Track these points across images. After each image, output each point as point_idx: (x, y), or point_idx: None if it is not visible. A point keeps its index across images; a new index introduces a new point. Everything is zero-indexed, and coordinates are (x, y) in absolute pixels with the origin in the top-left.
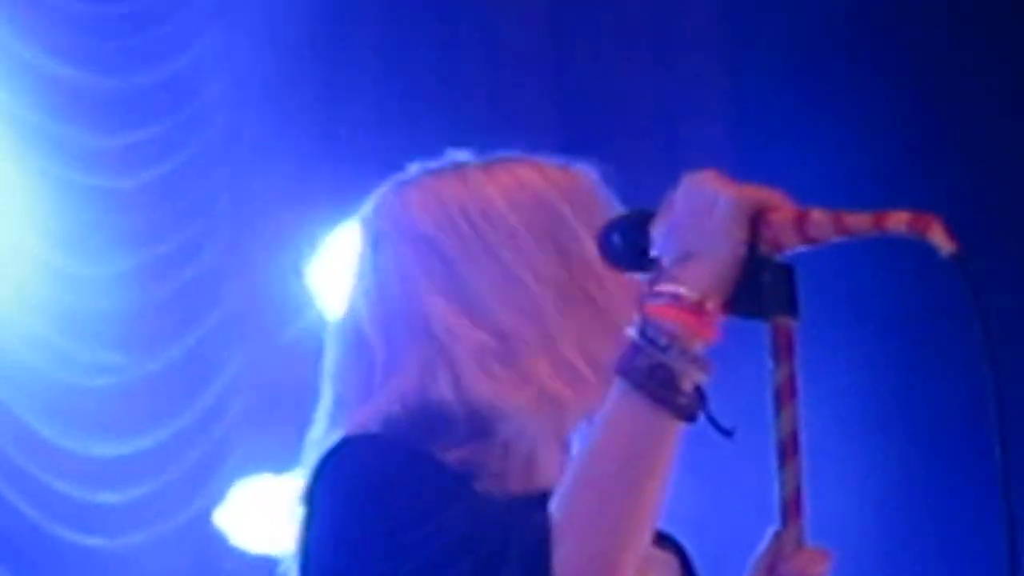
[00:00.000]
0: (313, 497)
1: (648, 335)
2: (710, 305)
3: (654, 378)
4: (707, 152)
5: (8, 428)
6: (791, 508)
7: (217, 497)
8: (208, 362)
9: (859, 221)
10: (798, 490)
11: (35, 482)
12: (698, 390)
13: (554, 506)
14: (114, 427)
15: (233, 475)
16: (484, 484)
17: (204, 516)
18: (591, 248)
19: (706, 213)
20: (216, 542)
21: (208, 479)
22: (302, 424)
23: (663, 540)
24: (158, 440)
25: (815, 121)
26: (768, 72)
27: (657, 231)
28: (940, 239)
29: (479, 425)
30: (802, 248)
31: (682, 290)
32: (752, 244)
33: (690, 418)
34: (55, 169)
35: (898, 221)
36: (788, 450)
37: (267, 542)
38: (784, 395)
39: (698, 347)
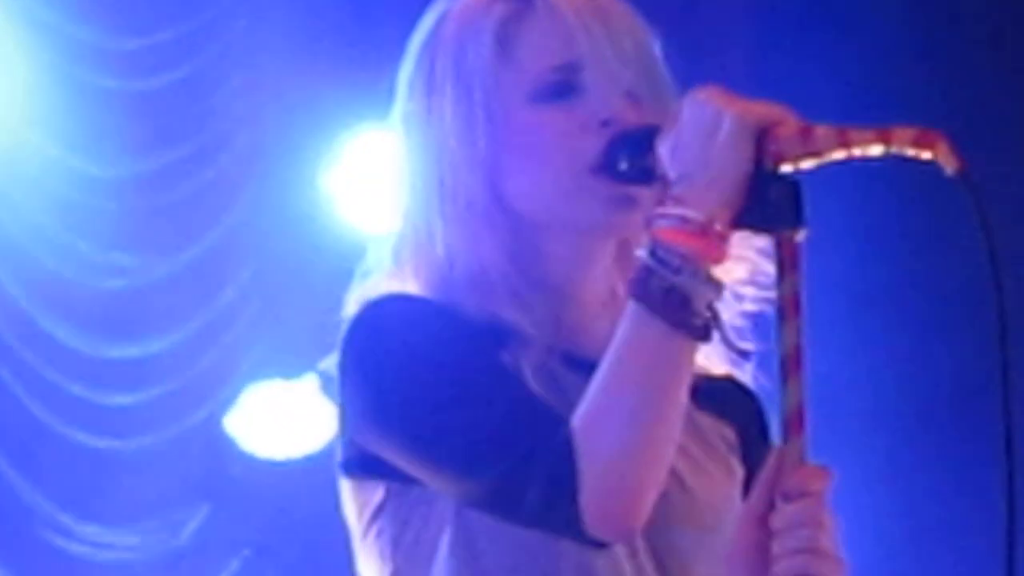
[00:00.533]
0: (345, 366)
1: (659, 257)
2: (718, 226)
3: (669, 301)
4: (722, 68)
5: (20, 328)
6: (793, 423)
7: (228, 401)
8: (220, 267)
9: (864, 136)
10: (800, 405)
11: (46, 382)
12: (711, 309)
13: (578, 427)
14: (125, 329)
15: (244, 380)
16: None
17: (214, 420)
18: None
19: (711, 132)
20: (226, 446)
21: (219, 383)
22: (313, 330)
23: (723, 396)
24: (169, 343)
25: (830, 42)
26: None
27: (663, 149)
28: (945, 156)
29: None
30: (807, 163)
31: (689, 212)
32: (758, 159)
33: (706, 338)
34: (71, 69)
35: (903, 137)
36: (791, 365)
37: (276, 447)
38: (789, 309)
39: (709, 267)
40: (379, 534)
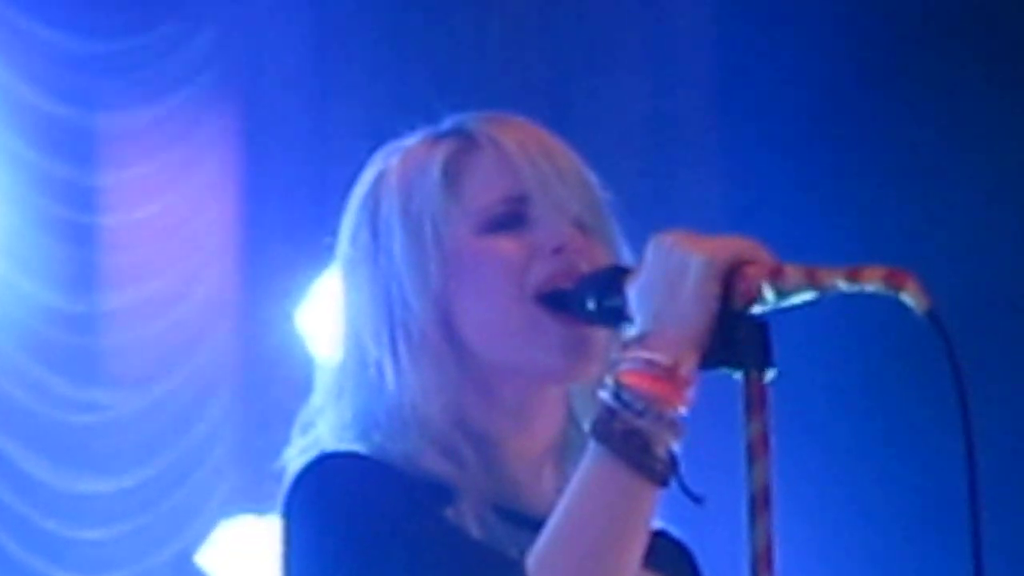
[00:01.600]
0: (289, 524)
1: (623, 400)
2: (683, 371)
3: (631, 444)
4: (698, 209)
5: None
6: (761, 563)
7: (200, 537)
8: (193, 401)
9: (833, 275)
10: (769, 545)
11: (16, 516)
12: (671, 454)
13: (531, 565)
14: (97, 464)
15: (216, 515)
16: (462, 499)
17: (187, 555)
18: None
19: (677, 277)
20: None
21: (191, 518)
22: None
23: (660, 556)
24: (142, 478)
25: (807, 188)
26: (761, 138)
27: (630, 292)
28: (915, 295)
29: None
30: (776, 304)
31: (655, 356)
32: (726, 297)
33: (664, 483)
34: (44, 204)
35: (873, 276)
36: (760, 504)
37: None
38: (757, 449)
39: (671, 412)
40: None
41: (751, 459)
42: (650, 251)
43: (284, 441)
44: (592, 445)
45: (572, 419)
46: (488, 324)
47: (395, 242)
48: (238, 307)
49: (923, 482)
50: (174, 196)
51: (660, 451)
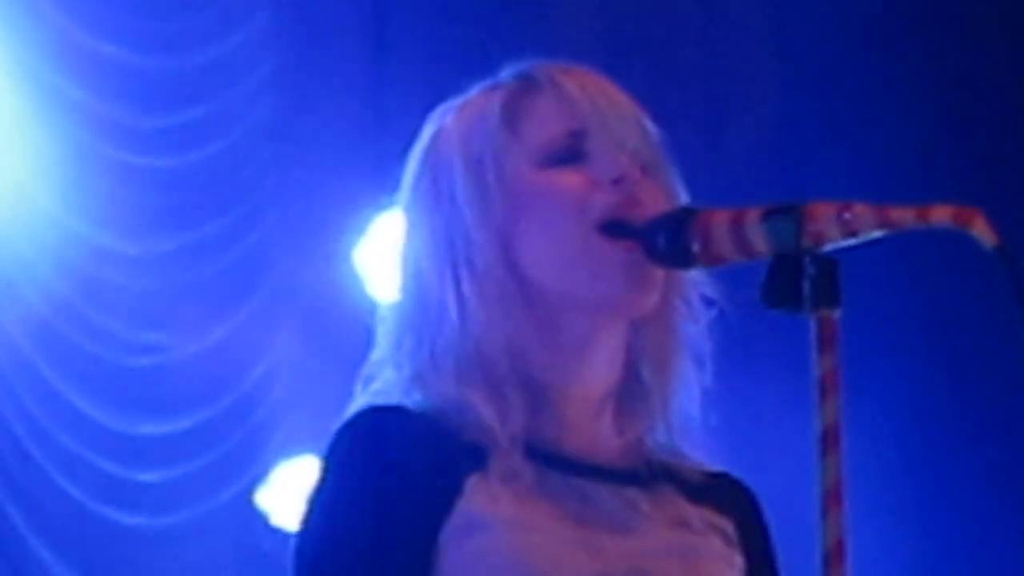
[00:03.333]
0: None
1: None
2: None
3: None
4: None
5: (51, 406)
6: (831, 500)
7: (259, 478)
8: (251, 343)
9: (903, 214)
10: (839, 481)
11: (78, 460)
12: None
13: None
14: (156, 406)
15: (275, 456)
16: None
17: (246, 496)
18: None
19: None
20: (257, 522)
21: (250, 460)
22: (344, 406)
23: (719, 492)
24: (200, 420)
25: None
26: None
27: None
28: (983, 232)
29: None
30: (845, 242)
31: None
32: (796, 238)
33: None
34: (102, 148)
35: (942, 215)
36: (830, 441)
37: None
38: (827, 386)
39: None
40: None
41: (822, 396)
42: None
43: (342, 381)
44: None
45: (633, 365)
46: (550, 255)
47: (456, 182)
48: (295, 248)
49: (989, 419)
50: (230, 137)
51: None
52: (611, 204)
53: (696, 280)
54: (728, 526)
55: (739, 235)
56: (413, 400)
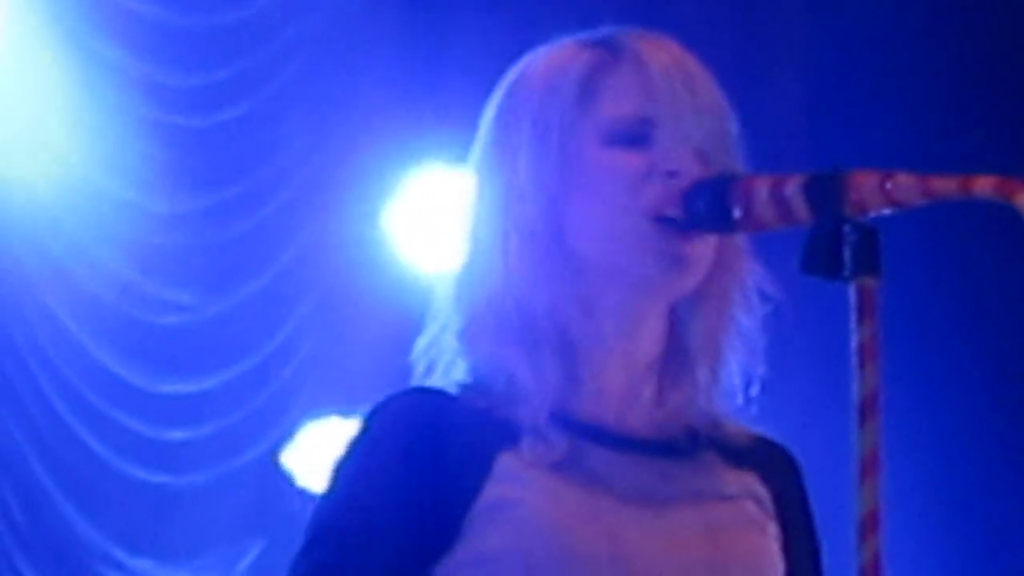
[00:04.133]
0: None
1: None
2: None
3: None
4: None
5: (78, 364)
6: (868, 467)
7: (284, 438)
8: (278, 303)
9: (945, 184)
10: (876, 449)
11: (104, 418)
12: None
13: None
14: (183, 365)
15: (300, 416)
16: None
17: (270, 456)
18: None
19: None
20: (282, 482)
21: (275, 420)
22: (370, 367)
23: (756, 455)
24: (226, 379)
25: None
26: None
27: None
28: None
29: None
30: (886, 211)
31: None
32: (837, 206)
33: None
34: (133, 106)
35: (985, 185)
36: (869, 408)
37: None
38: (866, 354)
39: None
40: None
41: (861, 363)
42: None
43: (369, 342)
44: None
45: (680, 339)
46: (597, 232)
47: (521, 147)
48: (325, 208)
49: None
50: (261, 97)
51: None
52: (662, 196)
53: (754, 271)
54: (766, 495)
55: (780, 201)
56: (457, 371)
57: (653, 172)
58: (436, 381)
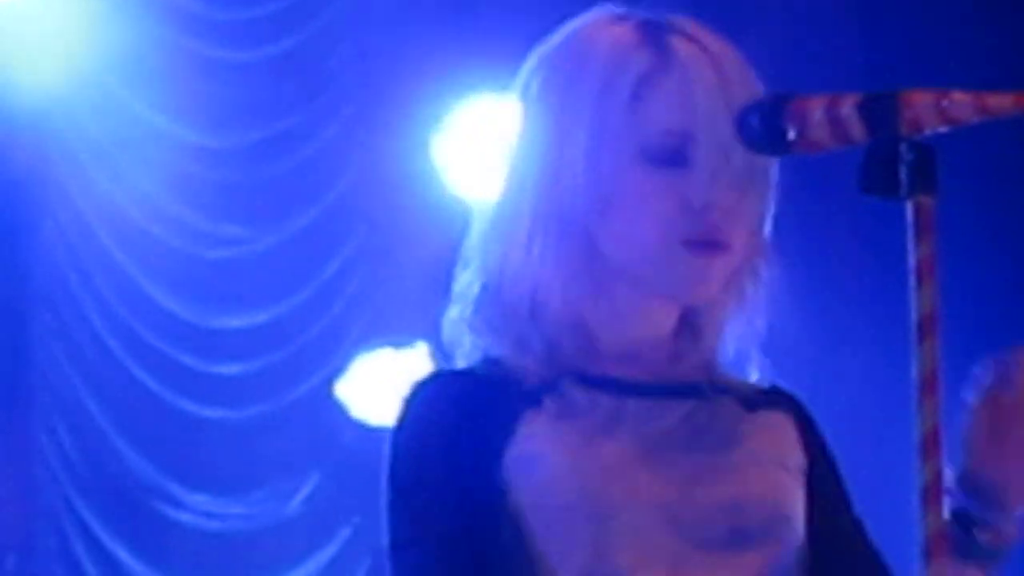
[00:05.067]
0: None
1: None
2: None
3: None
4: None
5: (129, 298)
6: (927, 386)
7: (337, 371)
8: (329, 237)
9: (1001, 101)
10: (935, 368)
11: (155, 353)
12: None
13: None
14: (234, 300)
15: (353, 349)
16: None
17: (324, 389)
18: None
19: None
20: (336, 414)
21: (328, 353)
22: (422, 300)
23: (773, 398)
24: (278, 313)
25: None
26: None
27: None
28: None
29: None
30: (943, 129)
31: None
32: (894, 125)
33: None
34: (181, 41)
35: None
36: (927, 327)
37: (387, 415)
38: (924, 273)
39: None
40: None
41: (919, 282)
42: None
43: (419, 274)
44: None
45: (692, 314)
46: (628, 242)
47: (579, 137)
48: (374, 141)
49: None
50: (308, 30)
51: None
52: (693, 229)
53: (767, 269)
54: (790, 426)
55: (835, 121)
56: (479, 341)
57: (687, 204)
58: (461, 356)
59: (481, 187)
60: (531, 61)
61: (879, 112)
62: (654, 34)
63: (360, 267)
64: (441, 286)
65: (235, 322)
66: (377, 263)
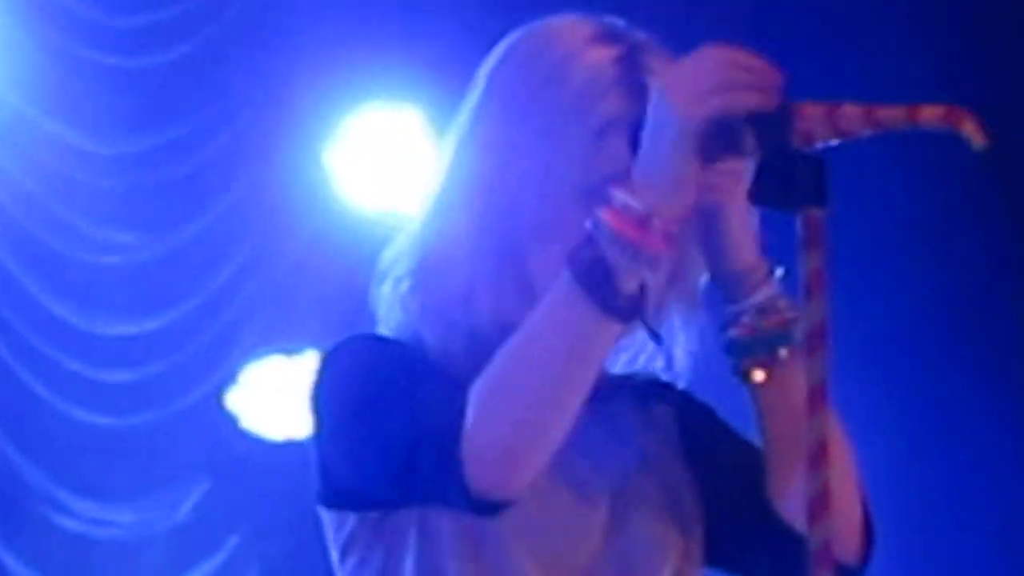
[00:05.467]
0: (314, 391)
1: (598, 232)
2: (657, 221)
3: (594, 273)
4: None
5: (18, 305)
6: (816, 398)
7: (227, 378)
8: (220, 244)
9: (891, 114)
10: (824, 381)
11: (45, 359)
12: (637, 292)
13: (473, 391)
14: (124, 306)
15: (243, 357)
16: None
17: (214, 397)
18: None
19: (660, 128)
20: (226, 423)
21: (219, 360)
22: (313, 306)
23: (657, 392)
24: (169, 320)
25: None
26: None
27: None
28: (972, 132)
29: None
30: (833, 141)
31: (632, 201)
32: (783, 137)
33: (624, 319)
34: (73, 47)
35: (931, 114)
36: (816, 339)
37: (277, 424)
38: (814, 285)
39: (644, 251)
40: (352, 562)
41: (808, 294)
42: (653, 95)
43: (311, 281)
44: (563, 273)
45: None
46: (552, 267)
47: (539, 149)
48: (266, 149)
49: (980, 322)
50: (202, 37)
51: (624, 286)
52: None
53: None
54: (668, 413)
55: (726, 134)
56: (410, 321)
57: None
58: (388, 332)
59: (373, 196)
60: (508, 46)
61: (770, 124)
62: (631, 74)
63: (251, 275)
64: (332, 293)
65: (124, 329)
66: (268, 271)
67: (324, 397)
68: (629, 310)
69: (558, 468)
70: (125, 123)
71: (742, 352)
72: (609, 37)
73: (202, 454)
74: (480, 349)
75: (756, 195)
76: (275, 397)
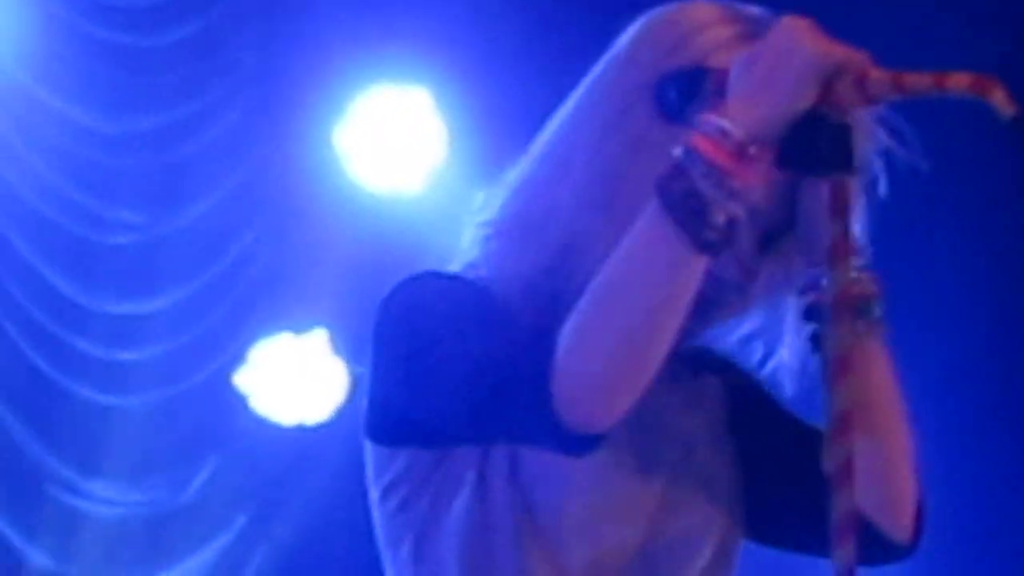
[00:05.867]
0: (373, 331)
1: (690, 160)
2: (753, 149)
3: (687, 205)
4: None
5: (27, 284)
6: (842, 367)
7: (236, 357)
8: (229, 223)
9: (919, 80)
10: (849, 351)
11: (53, 338)
12: (728, 226)
13: (568, 320)
14: (133, 285)
15: (252, 336)
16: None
17: (222, 376)
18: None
19: (784, 61)
20: (233, 402)
21: (227, 339)
22: (322, 285)
23: (708, 364)
24: (178, 299)
25: None
26: None
27: (736, 60)
28: (1001, 101)
29: None
30: (862, 106)
31: (730, 127)
32: (814, 103)
33: (711, 250)
34: (82, 25)
35: (959, 82)
36: (840, 308)
37: (285, 403)
38: (838, 251)
39: (737, 183)
40: (392, 504)
41: (833, 262)
42: (775, 28)
43: (319, 261)
44: (653, 200)
45: None
46: None
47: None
48: (275, 128)
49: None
50: (211, 15)
51: (716, 219)
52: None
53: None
54: (717, 385)
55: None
56: (502, 262)
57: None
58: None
59: (382, 176)
60: (641, 25)
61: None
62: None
63: (260, 254)
64: (341, 272)
65: (133, 308)
66: (277, 250)
67: (392, 327)
68: (719, 243)
69: (619, 443)
70: (134, 102)
71: (821, 318)
72: (732, 19)
73: (210, 433)
74: (550, 306)
75: (784, 159)
76: (284, 376)
